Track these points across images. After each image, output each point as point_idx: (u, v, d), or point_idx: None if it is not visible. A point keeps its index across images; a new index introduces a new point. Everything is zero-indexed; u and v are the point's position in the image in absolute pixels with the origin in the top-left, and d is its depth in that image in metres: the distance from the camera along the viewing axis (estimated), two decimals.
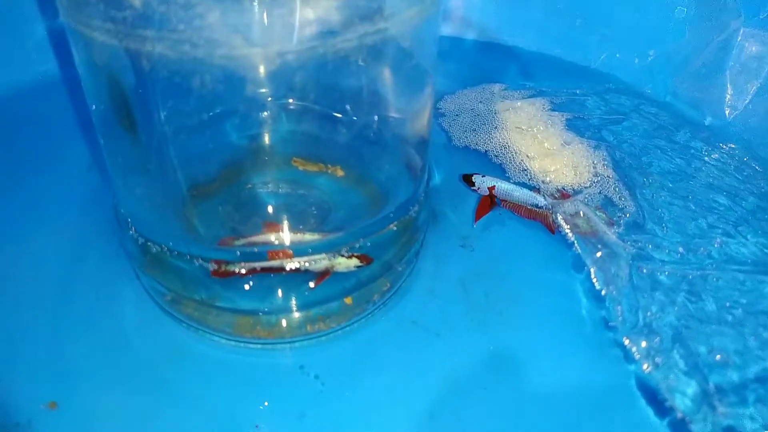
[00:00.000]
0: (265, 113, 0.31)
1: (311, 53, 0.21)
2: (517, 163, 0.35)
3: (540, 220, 0.32)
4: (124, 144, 0.25)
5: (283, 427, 0.25)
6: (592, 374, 0.24)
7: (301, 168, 0.32)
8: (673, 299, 0.26)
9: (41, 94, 0.43)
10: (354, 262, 0.27)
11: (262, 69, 0.22)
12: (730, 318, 0.26)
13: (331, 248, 0.27)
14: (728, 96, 0.38)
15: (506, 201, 0.33)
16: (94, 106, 0.25)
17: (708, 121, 0.40)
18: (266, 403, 0.27)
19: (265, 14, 0.20)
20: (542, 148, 0.36)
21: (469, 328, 0.30)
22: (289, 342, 0.29)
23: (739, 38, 0.37)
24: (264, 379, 0.28)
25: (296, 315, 0.29)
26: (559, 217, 0.31)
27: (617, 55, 0.45)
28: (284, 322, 0.29)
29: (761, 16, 0.36)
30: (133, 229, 0.29)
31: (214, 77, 0.21)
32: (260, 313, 0.28)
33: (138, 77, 0.22)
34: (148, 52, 0.21)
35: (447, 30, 0.51)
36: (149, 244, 0.28)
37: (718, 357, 0.24)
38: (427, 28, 0.25)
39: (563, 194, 0.33)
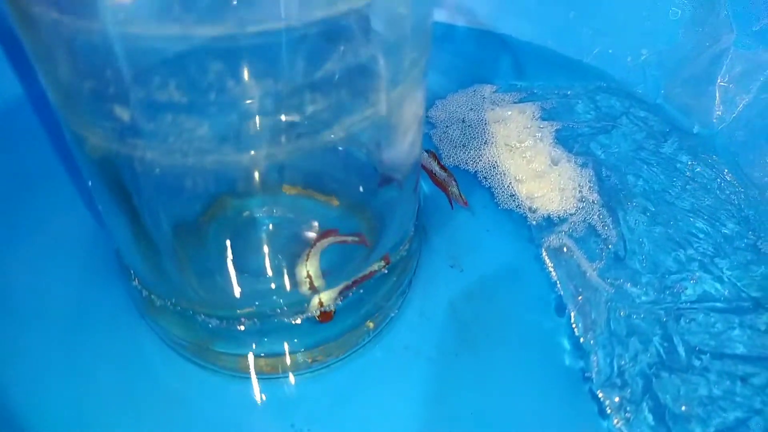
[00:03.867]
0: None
1: (300, 147, 0.22)
2: (506, 187, 0.36)
3: (443, 190, 0.36)
4: (122, 215, 0.26)
5: None
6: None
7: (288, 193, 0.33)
8: (647, 345, 0.28)
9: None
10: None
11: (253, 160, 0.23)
12: (697, 364, 0.28)
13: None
14: (717, 106, 0.39)
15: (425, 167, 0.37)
16: (90, 183, 0.26)
17: (696, 129, 0.40)
18: None
19: (256, 122, 0.20)
20: (530, 170, 0.37)
21: (459, 352, 0.32)
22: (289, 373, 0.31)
23: (731, 54, 0.36)
24: (265, 409, 0.30)
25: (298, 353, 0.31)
26: (543, 253, 0.32)
27: (610, 51, 0.45)
28: (286, 359, 0.31)
29: (754, 29, 0.36)
30: (137, 280, 0.30)
31: (206, 178, 0.22)
32: (263, 356, 0.30)
33: (131, 172, 0.22)
34: (140, 156, 0.21)
35: (440, 16, 0.50)
36: (153, 297, 0.29)
37: (683, 408, 0.26)
38: (414, 97, 0.26)
39: (446, 171, 0.37)
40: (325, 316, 0.29)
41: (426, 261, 0.35)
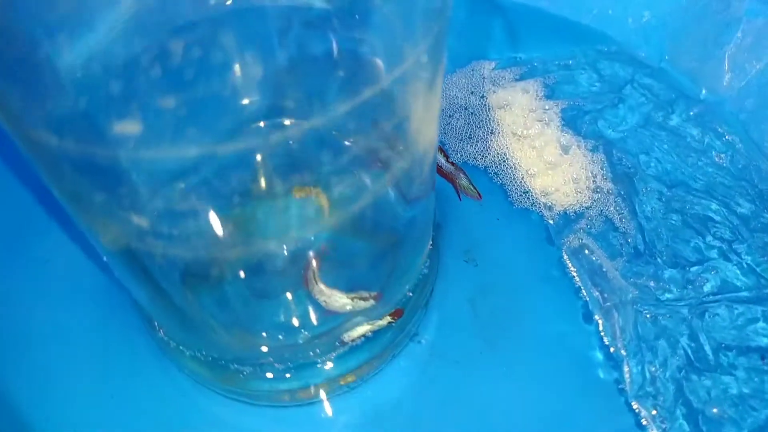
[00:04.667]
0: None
1: (329, 223, 0.21)
2: (518, 183, 0.35)
3: (449, 180, 0.36)
4: (141, 286, 0.25)
5: None
6: None
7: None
8: (674, 347, 0.29)
9: None
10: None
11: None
12: (725, 361, 0.28)
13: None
14: (726, 72, 0.37)
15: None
16: (105, 258, 0.25)
17: (703, 94, 0.39)
18: None
19: (283, 216, 0.19)
20: (541, 161, 0.36)
21: (483, 351, 0.32)
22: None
23: (743, 24, 0.35)
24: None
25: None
26: (564, 256, 0.32)
27: (609, 12, 0.43)
28: (320, 388, 0.31)
29: None
30: (162, 332, 0.30)
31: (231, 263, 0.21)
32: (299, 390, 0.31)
33: (151, 260, 0.21)
34: (161, 252, 0.20)
35: None
36: (182, 348, 0.29)
37: (715, 410, 0.27)
38: (432, 124, 0.24)
39: (453, 165, 0.36)
40: (397, 312, 0.29)
41: (441, 257, 0.35)
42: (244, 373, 0.28)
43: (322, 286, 0.27)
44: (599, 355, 0.29)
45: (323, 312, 0.28)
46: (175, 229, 0.19)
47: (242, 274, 0.23)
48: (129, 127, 0.15)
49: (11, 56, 0.14)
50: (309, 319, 0.28)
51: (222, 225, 0.19)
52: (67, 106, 0.15)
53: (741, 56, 0.36)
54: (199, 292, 0.24)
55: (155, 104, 0.15)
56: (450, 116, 0.39)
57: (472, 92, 0.40)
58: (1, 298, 0.34)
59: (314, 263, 0.27)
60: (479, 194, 0.36)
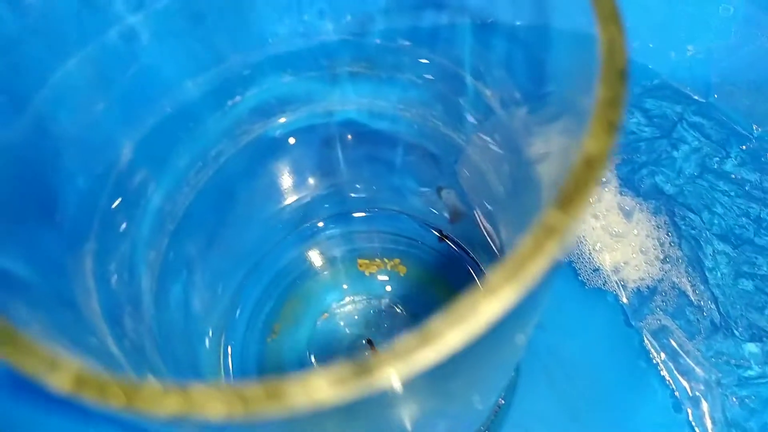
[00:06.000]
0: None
1: None
2: (587, 259, 0.36)
3: None
4: None
5: None
6: None
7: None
8: (764, 429, 0.30)
9: None
10: None
11: None
12: None
13: None
14: None
15: None
16: None
17: (757, 132, 0.39)
18: None
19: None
20: (606, 233, 0.36)
21: (565, 424, 0.34)
22: None
23: None
24: None
25: None
26: (646, 342, 0.33)
27: (650, 45, 0.41)
28: None
29: None
30: None
31: None
32: None
33: None
34: None
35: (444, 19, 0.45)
36: None
37: None
38: None
39: None
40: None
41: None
42: None
43: None
44: None
45: None
46: None
47: None
48: None
49: None
50: None
51: None
52: None
53: None
54: None
55: None
56: None
57: None
58: None
59: None
60: None
